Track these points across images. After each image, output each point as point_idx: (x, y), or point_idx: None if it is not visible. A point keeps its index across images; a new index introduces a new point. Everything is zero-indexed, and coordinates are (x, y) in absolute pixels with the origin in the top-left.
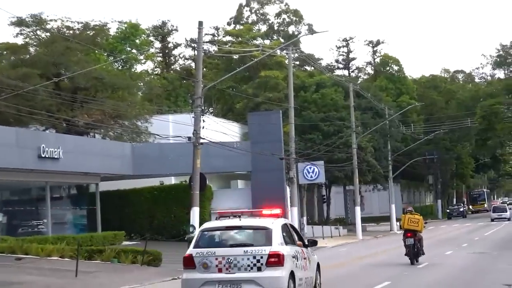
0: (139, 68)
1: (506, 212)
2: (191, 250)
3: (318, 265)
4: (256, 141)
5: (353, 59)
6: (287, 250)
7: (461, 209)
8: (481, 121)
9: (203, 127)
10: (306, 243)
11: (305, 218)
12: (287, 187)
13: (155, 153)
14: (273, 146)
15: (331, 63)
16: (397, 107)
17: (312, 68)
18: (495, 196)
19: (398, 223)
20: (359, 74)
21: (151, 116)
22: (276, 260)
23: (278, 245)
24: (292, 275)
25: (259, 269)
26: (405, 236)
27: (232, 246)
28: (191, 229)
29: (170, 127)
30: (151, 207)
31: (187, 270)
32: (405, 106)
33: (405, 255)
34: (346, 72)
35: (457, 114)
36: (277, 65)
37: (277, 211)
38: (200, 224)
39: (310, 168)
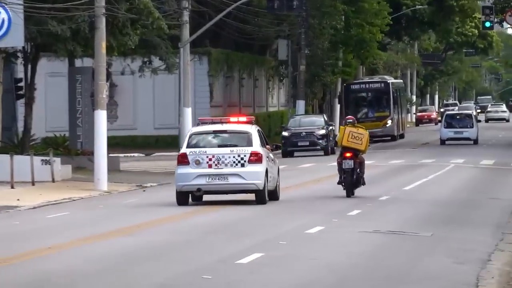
0: None
1: (471, 127)
2: (184, 149)
3: (278, 168)
4: None
5: None
6: (264, 151)
7: (304, 133)
8: None
9: None
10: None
11: None
12: None
13: None
14: None
15: None
16: None
17: None
18: (434, 100)
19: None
20: None
21: None
22: (256, 158)
23: (258, 146)
24: (266, 171)
25: (242, 165)
26: (341, 156)
27: (220, 146)
28: None
29: None
30: None
31: (181, 165)
32: None
33: (339, 183)
34: None
35: None
36: None
37: (244, 119)
38: None
39: None
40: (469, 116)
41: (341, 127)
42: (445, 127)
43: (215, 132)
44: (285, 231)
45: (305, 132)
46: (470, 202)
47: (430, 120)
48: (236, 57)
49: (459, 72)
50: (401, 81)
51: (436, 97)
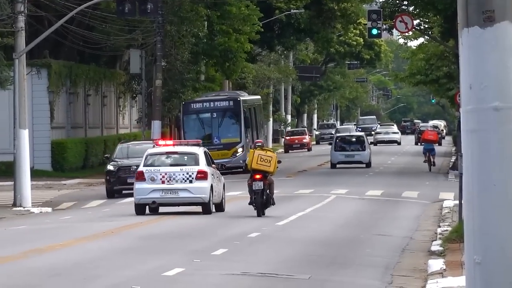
0: None
1: (363, 150)
2: (141, 168)
3: (224, 184)
4: None
5: None
6: (209, 169)
7: (135, 167)
8: None
9: None
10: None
11: None
12: None
13: None
14: None
15: None
16: None
17: None
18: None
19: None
20: None
21: None
22: (202, 175)
23: (204, 165)
24: (212, 187)
25: (190, 182)
26: (251, 178)
27: (171, 165)
28: None
29: None
30: None
31: (139, 181)
32: None
33: (250, 204)
34: None
35: None
36: None
37: (198, 141)
38: None
39: None
40: (361, 138)
41: (250, 150)
42: (335, 150)
43: (168, 153)
44: (145, 271)
45: (136, 166)
46: (354, 239)
47: (302, 146)
48: (81, 70)
49: (341, 88)
50: (258, 97)
51: (315, 117)
